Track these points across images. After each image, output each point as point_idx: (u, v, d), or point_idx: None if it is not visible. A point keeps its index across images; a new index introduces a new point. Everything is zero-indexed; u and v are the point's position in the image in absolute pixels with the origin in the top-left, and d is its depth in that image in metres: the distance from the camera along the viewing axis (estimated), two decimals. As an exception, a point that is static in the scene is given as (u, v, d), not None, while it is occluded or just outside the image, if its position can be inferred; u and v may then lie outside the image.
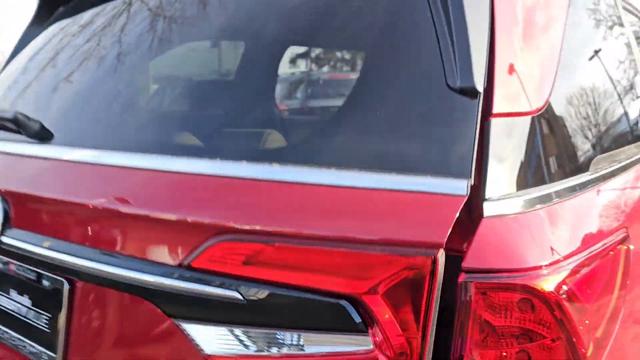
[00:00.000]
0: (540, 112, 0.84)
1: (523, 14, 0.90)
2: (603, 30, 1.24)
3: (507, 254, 0.67)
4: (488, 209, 0.69)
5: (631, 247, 0.88)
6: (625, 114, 1.22)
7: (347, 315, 0.69)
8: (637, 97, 1.31)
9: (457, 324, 0.66)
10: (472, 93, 0.75)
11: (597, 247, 0.77)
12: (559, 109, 0.91)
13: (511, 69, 0.82)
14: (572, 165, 0.89)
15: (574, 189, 0.85)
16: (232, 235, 0.74)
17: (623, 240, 0.85)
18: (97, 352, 0.89)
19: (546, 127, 0.85)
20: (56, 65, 1.34)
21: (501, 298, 0.65)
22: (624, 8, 1.42)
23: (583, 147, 0.94)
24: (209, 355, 0.75)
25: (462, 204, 0.68)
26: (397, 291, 0.67)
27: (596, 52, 1.17)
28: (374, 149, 0.76)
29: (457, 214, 0.67)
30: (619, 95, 1.21)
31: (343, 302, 0.69)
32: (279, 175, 0.76)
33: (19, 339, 1.01)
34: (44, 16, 1.57)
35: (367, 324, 0.68)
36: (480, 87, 0.75)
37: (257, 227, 0.74)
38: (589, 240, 0.77)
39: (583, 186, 0.87)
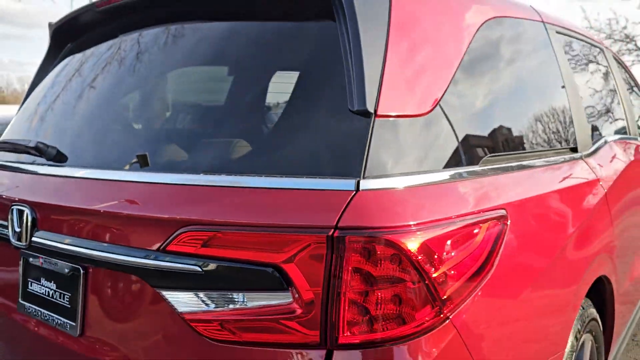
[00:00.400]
0: (425, 116, 1.12)
1: (415, 51, 1.18)
2: (507, 56, 1.51)
3: (376, 217, 0.95)
4: (364, 185, 0.98)
5: (503, 226, 1.15)
6: (517, 124, 1.50)
7: (274, 278, 0.98)
8: (530, 110, 1.58)
9: (337, 273, 0.95)
10: (365, 113, 1.04)
11: (458, 220, 1.05)
12: (447, 114, 1.19)
13: (396, 82, 1.10)
14: (454, 158, 1.17)
15: (454, 177, 1.13)
16: (194, 226, 1.04)
17: (491, 220, 1.13)
18: (105, 317, 1.21)
19: (429, 127, 1.14)
20: (66, 96, 1.65)
21: (371, 249, 0.94)
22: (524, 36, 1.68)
23: (467, 145, 1.22)
24: (182, 313, 1.05)
25: (351, 196, 0.97)
26: (306, 260, 0.97)
27: (496, 72, 1.44)
28: (290, 158, 1.06)
29: (347, 203, 0.96)
30: (512, 107, 1.49)
31: (270, 269, 0.98)
32: (223, 182, 1.07)
33: (49, 314, 1.33)
34: (55, 53, 1.88)
35: (287, 284, 0.97)
36: (371, 107, 1.03)
37: (211, 220, 1.04)
38: (451, 213, 1.05)
39: (459, 176, 1.15)
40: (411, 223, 0.98)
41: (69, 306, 1.27)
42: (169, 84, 1.48)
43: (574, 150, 1.79)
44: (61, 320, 1.29)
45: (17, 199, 1.38)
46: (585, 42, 2.24)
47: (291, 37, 1.27)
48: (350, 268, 0.95)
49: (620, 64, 2.84)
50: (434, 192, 1.07)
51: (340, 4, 1.10)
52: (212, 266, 1.02)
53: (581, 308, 1.51)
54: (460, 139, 1.21)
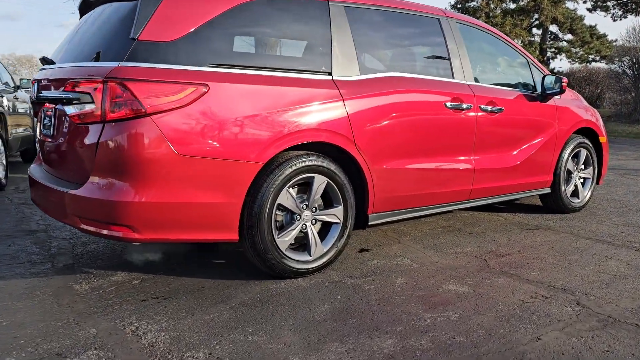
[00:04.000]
0: (172, 41, 2.63)
1: (175, 10, 2.68)
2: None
3: (123, 74, 2.48)
4: (123, 64, 2.51)
5: (205, 89, 2.59)
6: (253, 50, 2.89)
7: (89, 98, 2.57)
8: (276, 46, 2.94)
9: (105, 94, 2.51)
10: (133, 39, 2.57)
11: (171, 81, 2.52)
12: (189, 43, 2.67)
13: (158, 25, 2.61)
14: (185, 59, 2.63)
15: (180, 68, 2.61)
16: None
17: (197, 85, 2.58)
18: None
19: (175, 45, 2.63)
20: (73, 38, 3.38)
21: (120, 87, 2.47)
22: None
23: (196, 57, 2.67)
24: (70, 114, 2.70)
25: (115, 66, 2.52)
26: (99, 89, 2.53)
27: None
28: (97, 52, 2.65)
29: (112, 69, 2.52)
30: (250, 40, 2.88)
31: (86, 94, 2.57)
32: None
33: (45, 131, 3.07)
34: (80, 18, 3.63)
35: (93, 101, 2.56)
36: (136, 36, 2.57)
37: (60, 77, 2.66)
38: (168, 79, 2.53)
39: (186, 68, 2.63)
40: (141, 78, 2.48)
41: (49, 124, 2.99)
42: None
43: (329, 74, 3.09)
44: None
45: (36, 78, 3.14)
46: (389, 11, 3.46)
47: None
48: (110, 94, 2.49)
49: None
50: (163, 71, 2.55)
51: None
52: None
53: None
54: (191, 54, 2.66)
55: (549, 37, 23.16)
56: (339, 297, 2.77)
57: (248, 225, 2.82)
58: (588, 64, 22.68)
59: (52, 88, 2.89)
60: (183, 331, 2.37)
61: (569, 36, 22.97)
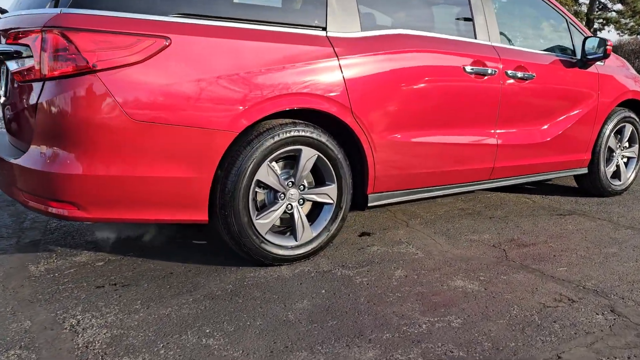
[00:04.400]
0: None
1: None
2: None
3: (64, 22, 2.07)
4: (64, 10, 2.10)
5: (167, 42, 2.17)
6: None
7: (28, 51, 2.18)
8: None
9: (44, 42, 2.11)
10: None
11: (123, 32, 2.11)
12: None
13: None
14: (145, 7, 2.20)
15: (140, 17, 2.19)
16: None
17: (155, 38, 2.15)
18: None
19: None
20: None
21: (60, 37, 2.07)
22: None
23: (161, 8, 2.24)
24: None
25: (57, 13, 2.11)
26: (39, 38, 2.14)
27: None
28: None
29: (52, 16, 2.11)
30: None
31: (24, 47, 2.18)
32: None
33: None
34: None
35: (42, 49, 2.17)
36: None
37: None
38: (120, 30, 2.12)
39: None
40: (86, 27, 2.08)
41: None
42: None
43: (323, 29, 2.62)
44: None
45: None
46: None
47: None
48: (50, 47, 2.09)
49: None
50: (113, 20, 2.13)
51: None
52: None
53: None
54: (150, 0, 2.23)
55: (597, 7, 21.76)
56: (324, 291, 2.36)
57: (220, 204, 2.42)
58: (638, 36, 21.23)
59: (1, 40, 2.52)
60: (129, 329, 2.00)
61: (618, 6, 21.56)
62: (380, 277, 2.52)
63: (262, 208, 2.58)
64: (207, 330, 2.00)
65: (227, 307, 2.19)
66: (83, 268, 2.60)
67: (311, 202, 2.75)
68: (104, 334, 1.97)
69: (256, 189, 2.55)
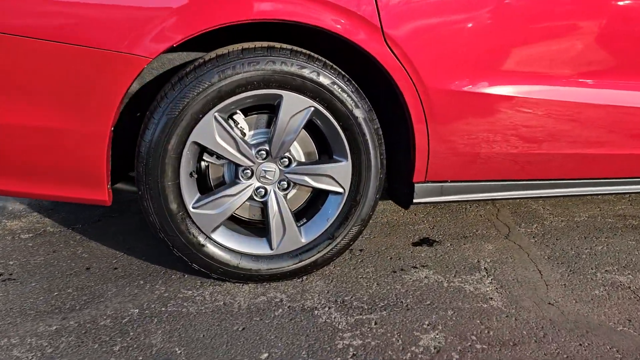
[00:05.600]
0: None
1: None
2: None
3: None
4: None
5: None
6: None
7: None
8: None
9: None
10: None
11: None
12: None
13: None
14: None
15: None
16: None
17: None
18: None
19: None
20: None
21: None
22: None
23: None
24: None
25: None
26: None
27: None
28: None
29: None
30: None
31: None
32: None
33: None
34: None
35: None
36: None
37: None
38: None
39: None
40: None
41: None
42: None
43: None
44: None
45: None
46: None
47: None
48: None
49: None
50: None
51: None
52: None
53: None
54: None
55: None
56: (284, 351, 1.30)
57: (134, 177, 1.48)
58: None
59: None
60: None
61: None
62: (390, 349, 1.37)
63: (210, 190, 1.58)
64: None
65: (90, 354, 1.28)
66: None
67: (309, 190, 1.66)
68: None
69: (204, 159, 1.55)
